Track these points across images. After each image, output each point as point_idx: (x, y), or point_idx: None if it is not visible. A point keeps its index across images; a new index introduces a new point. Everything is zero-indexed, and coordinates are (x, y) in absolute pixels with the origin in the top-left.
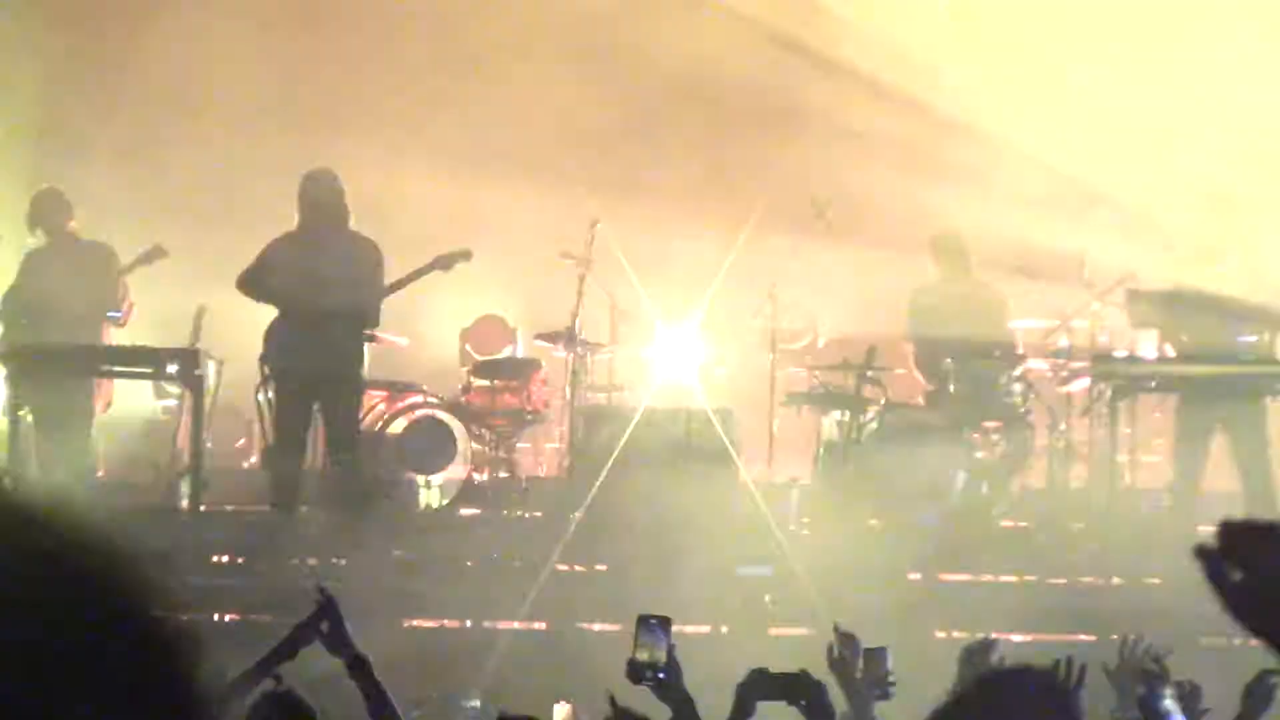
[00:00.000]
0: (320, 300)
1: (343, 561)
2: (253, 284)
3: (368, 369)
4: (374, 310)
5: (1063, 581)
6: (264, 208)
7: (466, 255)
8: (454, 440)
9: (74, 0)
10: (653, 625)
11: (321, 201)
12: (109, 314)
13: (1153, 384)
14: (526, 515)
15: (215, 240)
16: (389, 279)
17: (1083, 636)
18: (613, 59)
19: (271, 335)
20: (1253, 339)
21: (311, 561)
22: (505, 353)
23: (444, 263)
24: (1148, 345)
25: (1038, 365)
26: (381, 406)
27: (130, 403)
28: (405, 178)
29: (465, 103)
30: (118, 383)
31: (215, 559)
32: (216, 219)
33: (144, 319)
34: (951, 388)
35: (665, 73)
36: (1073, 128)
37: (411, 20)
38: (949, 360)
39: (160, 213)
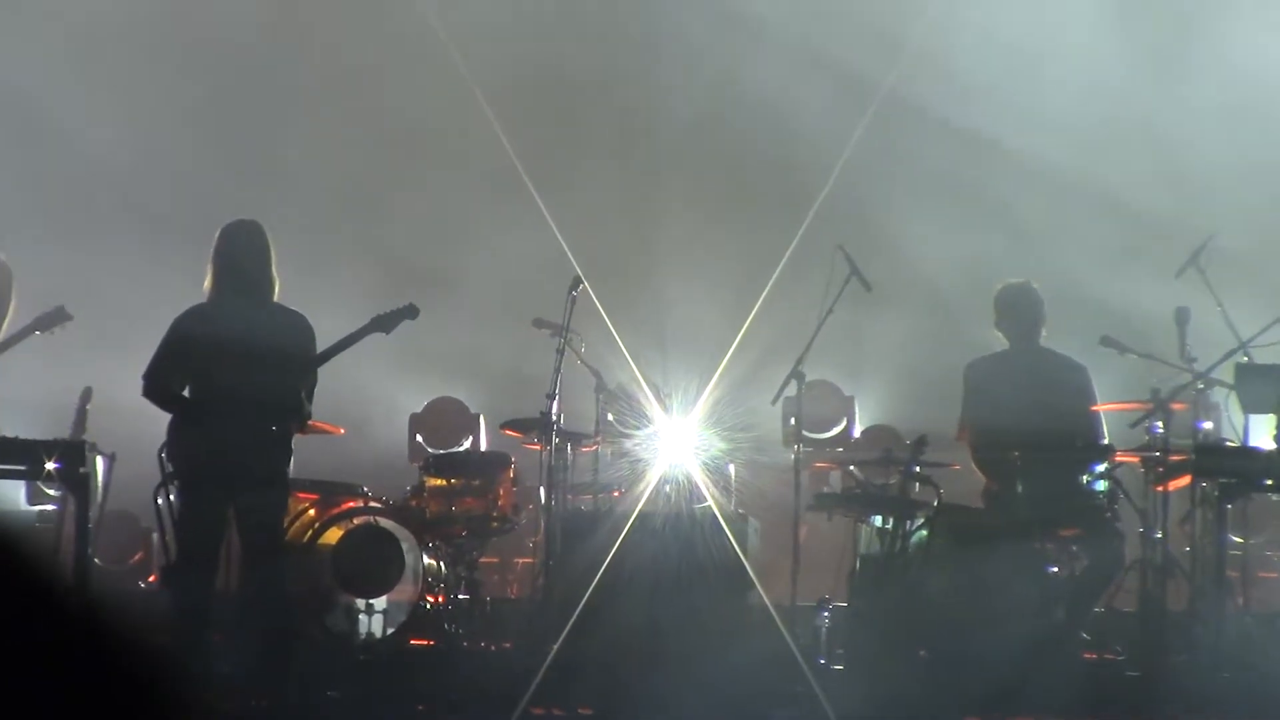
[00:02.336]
0: (238, 383)
1: (264, 704)
2: (160, 385)
3: (295, 465)
4: (303, 396)
5: None
6: (167, 268)
7: (411, 313)
8: (401, 554)
9: None
10: None
11: (241, 262)
12: None
13: (1269, 482)
14: (492, 647)
15: (104, 309)
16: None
17: None
18: (602, 99)
19: (177, 425)
20: None
21: (224, 705)
22: (465, 445)
23: (384, 324)
24: (1263, 433)
25: (1127, 459)
26: (312, 512)
27: None
28: (344, 233)
29: (420, 136)
30: None
31: None
32: (107, 282)
33: (16, 402)
34: (1020, 487)
35: (666, 104)
36: (1165, 166)
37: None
38: (1016, 453)
39: (37, 274)
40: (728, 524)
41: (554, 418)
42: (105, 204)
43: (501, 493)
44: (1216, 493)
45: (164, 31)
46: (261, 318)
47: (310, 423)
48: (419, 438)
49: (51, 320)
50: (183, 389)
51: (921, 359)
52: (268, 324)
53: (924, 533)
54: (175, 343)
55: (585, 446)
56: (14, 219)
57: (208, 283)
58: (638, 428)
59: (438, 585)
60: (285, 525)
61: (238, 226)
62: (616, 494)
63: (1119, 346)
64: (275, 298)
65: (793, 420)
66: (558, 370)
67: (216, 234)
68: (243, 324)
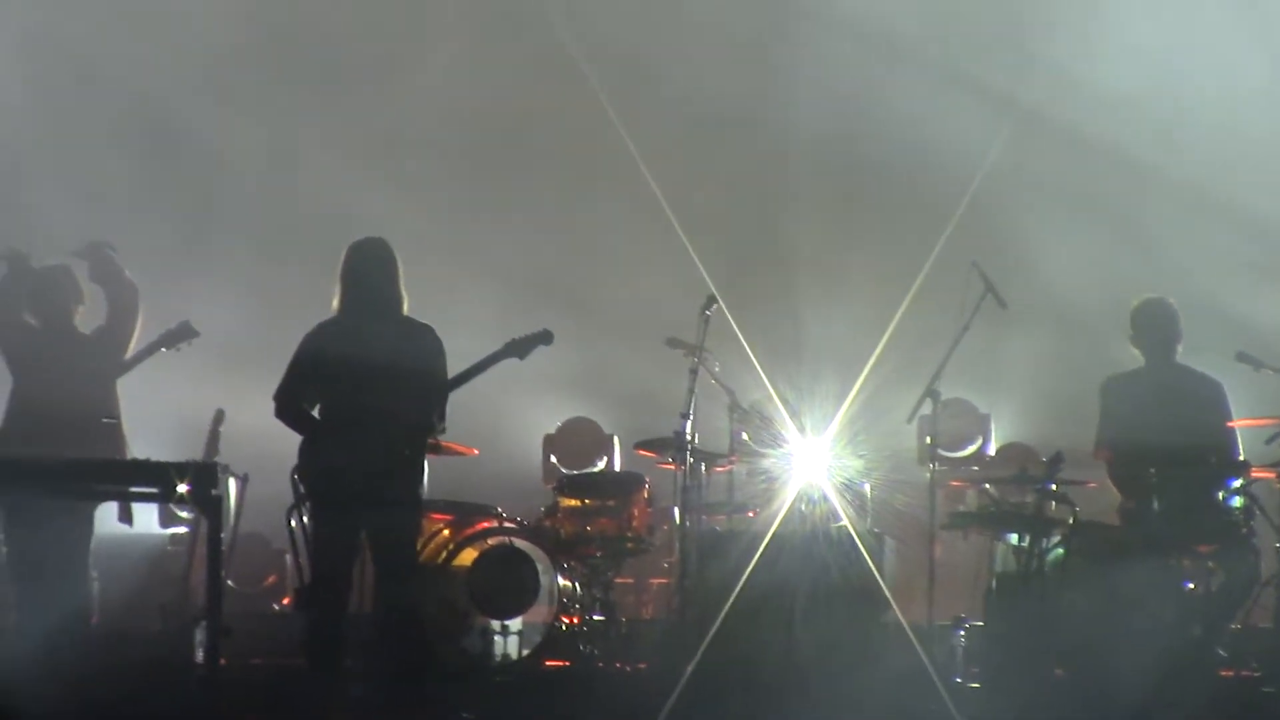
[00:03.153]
0: (370, 402)
1: None
2: (291, 405)
3: (429, 486)
4: (437, 413)
5: None
6: (297, 287)
7: (546, 338)
8: (536, 575)
9: None
10: None
11: (370, 279)
12: (105, 420)
13: None
14: (628, 668)
15: (236, 330)
16: (450, 371)
17: None
18: (736, 116)
19: (309, 446)
20: None
21: None
22: (599, 465)
23: (518, 349)
24: None
25: (1263, 475)
26: (446, 533)
27: (131, 531)
28: (474, 250)
29: (552, 154)
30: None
31: None
32: (239, 302)
33: (148, 425)
34: (1156, 504)
35: (801, 121)
36: None
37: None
38: (1152, 470)
39: (168, 295)
40: (863, 543)
41: (688, 437)
42: (235, 223)
43: (636, 513)
44: None
45: (292, 46)
46: (390, 333)
47: (444, 443)
48: (553, 458)
49: (177, 336)
50: (313, 407)
51: (1057, 376)
52: (396, 340)
53: (1060, 550)
54: (304, 361)
55: (720, 466)
56: (145, 237)
57: (336, 301)
58: (772, 446)
59: (573, 606)
60: (419, 546)
61: (364, 243)
62: (751, 513)
63: (1254, 362)
64: (405, 312)
65: (928, 438)
66: (691, 389)
67: (343, 252)
68: (372, 341)
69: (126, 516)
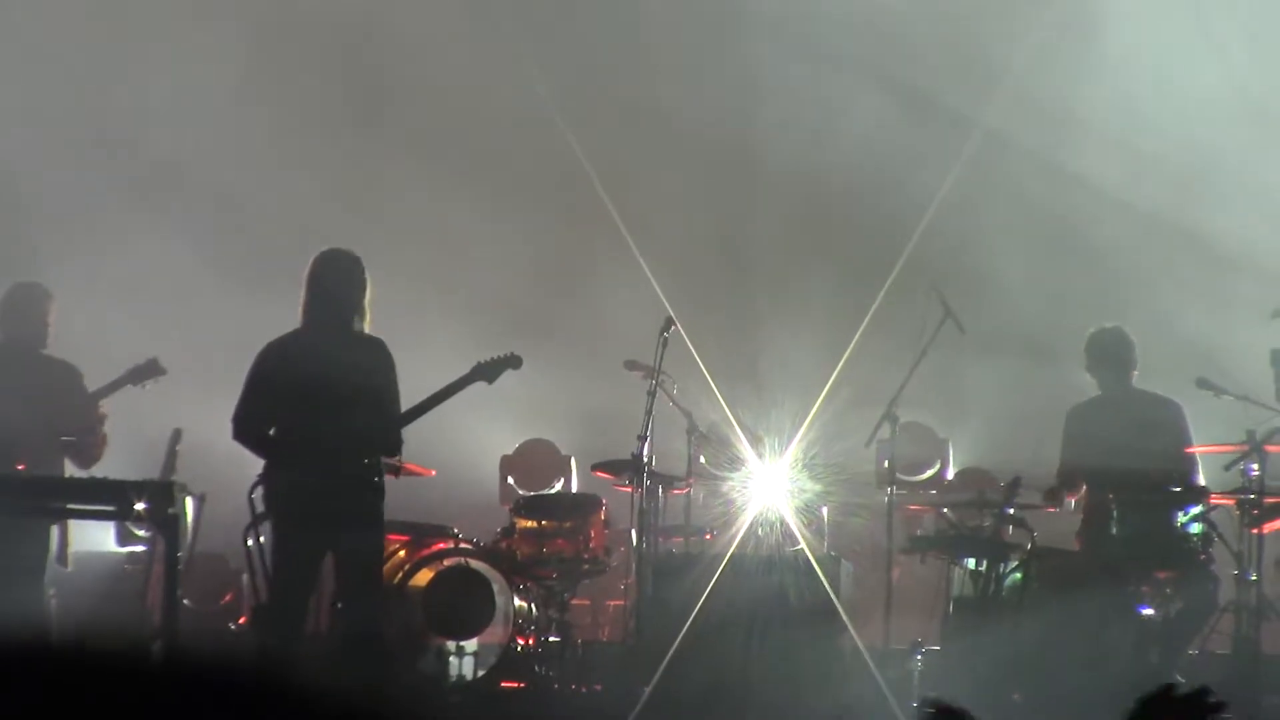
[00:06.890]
0: (326, 420)
1: None
2: (250, 427)
3: (386, 507)
4: (395, 431)
5: None
6: (260, 306)
7: (515, 362)
8: (492, 596)
9: None
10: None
11: (338, 293)
12: (64, 438)
13: None
14: (583, 689)
15: (194, 349)
16: (417, 397)
17: None
18: (696, 139)
19: (271, 467)
20: None
21: None
22: (557, 487)
23: (486, 372)
24: None
25: (1222, 501)
26: (402, 554)
27: (88, 549)
28: (436, 272)
29: (512, 178)
30: (73, 525)
31: None
32: (198, 321)
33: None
34: (1114, 529)
35: (761, 144)
36: (1262, 207)
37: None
38: (1111, 495)
39: (128, 317)
40: (820, 566)
41: (645, 460)
42: (198, 241)
43: (593, 534)
44: None
45: (262, 64)
46: (344, 351)
47: (402, 464)
48: (510, 479)
49: (144, 373)
50: (270, 425)
51: (1016, 401)
52: (351, 357)
53: (1018, 575)
54: (259, 380)
55: (677, 489)
56: (101, 252)
57: (300, 309)
58: (730, 470)
59: (528, 627)
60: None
61: (334, 254)
62: (708, 536)
63: (1215, 388)
64: (364, 328)
65: (886, 462)
66: (649, 412)
67: (310, 260)
68: (326, 358)
69: (62, 559)
